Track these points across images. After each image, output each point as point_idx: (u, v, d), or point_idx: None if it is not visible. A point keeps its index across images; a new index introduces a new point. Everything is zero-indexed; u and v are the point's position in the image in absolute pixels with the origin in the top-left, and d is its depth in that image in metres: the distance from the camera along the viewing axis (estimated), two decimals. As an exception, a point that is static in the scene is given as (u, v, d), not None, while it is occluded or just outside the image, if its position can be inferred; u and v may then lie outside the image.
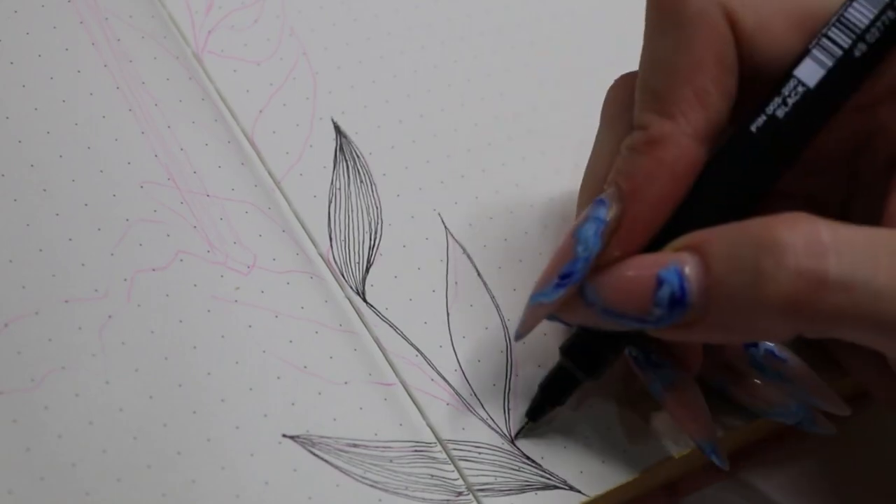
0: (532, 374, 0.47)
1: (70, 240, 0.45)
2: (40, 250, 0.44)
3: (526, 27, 0.54)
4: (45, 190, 0.45)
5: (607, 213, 0.42)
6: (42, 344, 0.42)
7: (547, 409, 0.45)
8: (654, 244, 0.42)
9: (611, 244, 0.42)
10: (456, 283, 0.48)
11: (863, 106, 0.44)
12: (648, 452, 0.46)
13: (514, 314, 0.48)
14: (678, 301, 0.40)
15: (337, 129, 0.50)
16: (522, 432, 0.45)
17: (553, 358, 0.46)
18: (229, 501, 0.42)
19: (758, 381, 0.46)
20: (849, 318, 0.39)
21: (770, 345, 0.45)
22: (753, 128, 0.42)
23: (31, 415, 0.41)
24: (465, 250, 0.49)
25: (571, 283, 0.42)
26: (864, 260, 0.39)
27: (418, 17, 0.53)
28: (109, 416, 0.42)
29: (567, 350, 0.44)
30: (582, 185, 0.46)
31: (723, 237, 0.40)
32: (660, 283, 0.40)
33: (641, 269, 0.41)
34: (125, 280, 0.44)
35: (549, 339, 0.47)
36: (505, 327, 0.47)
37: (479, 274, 0.48)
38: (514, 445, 0.45)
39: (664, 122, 0.42)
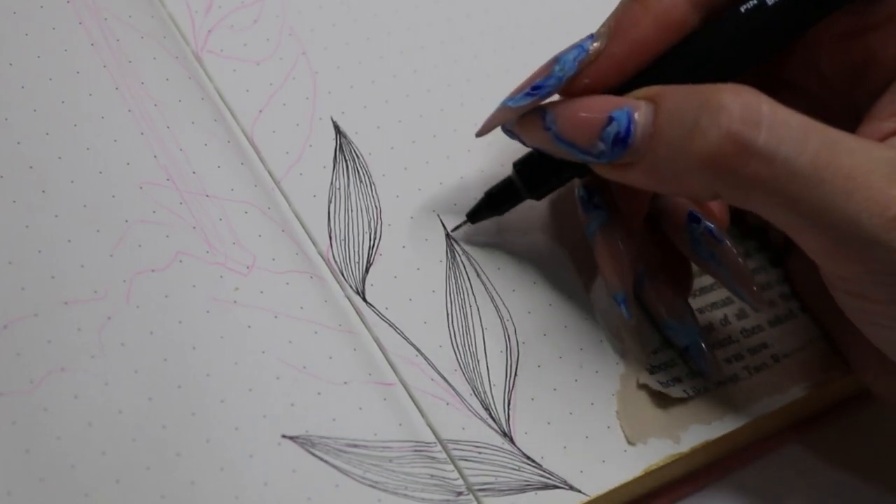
0: (532, 374, 0.47)
1: (69, 241, 0.45)
2: (39, 252, 0.44)
3: (526, 27, 0.54)
4: (44, 191, 0.45)
5: (591, 45, 0.45)
6: (41, 345, 0.42)
7: (486, 213, 0.48)
8: (625, 93, 0.44)
9: (583, 73, 0.45)
10: (455, 283, 0.48)
11: (856, 32, 0.46)
12: (648, 452, 0.46)
13: (515, 314, 0.48)
14: (621, 140, 0.43)
15: (337, 129, 0.50)
16: (459, 229, 0.48)
17: (554, 361, 0.46)
18: (228, 502, 0.42)
19: (667, 287, 0.48)
20: (764, 190, 0.41)
21: (710, 224, 0.48)
22: (743, 8, 0.44)
23: (30, 416, 0.41)
24: (464, 251, 0.49)
25: (539, 95, 0.45)
26: (794, 140, 0.41)
27: (418, 17, 0.53)
28: (109, 417, 0.42)
29: (519, 166, 0.48)
30: None
31: (677, 92, 0.43)
32: (610, 120, 0.44)
33: (598, 104, 0.44)
34: (124, 281, 0.44)
35: (549, 338, 0.47)
36: (504, 328, 0.47)
37: (478, 274, 0.48)
38: (514, 445, 0.45)
39: None
